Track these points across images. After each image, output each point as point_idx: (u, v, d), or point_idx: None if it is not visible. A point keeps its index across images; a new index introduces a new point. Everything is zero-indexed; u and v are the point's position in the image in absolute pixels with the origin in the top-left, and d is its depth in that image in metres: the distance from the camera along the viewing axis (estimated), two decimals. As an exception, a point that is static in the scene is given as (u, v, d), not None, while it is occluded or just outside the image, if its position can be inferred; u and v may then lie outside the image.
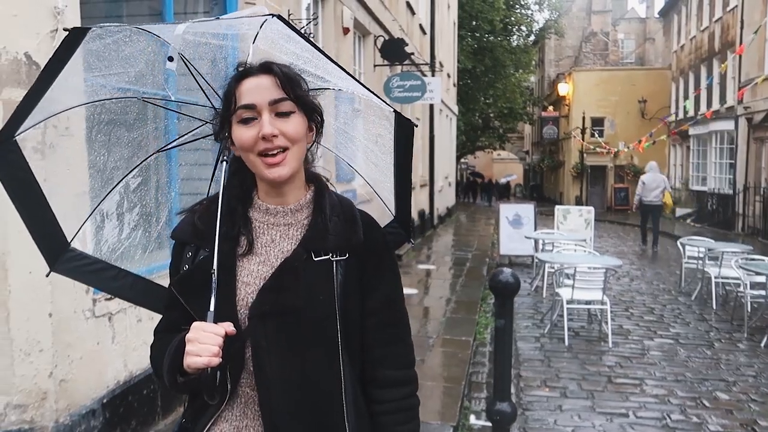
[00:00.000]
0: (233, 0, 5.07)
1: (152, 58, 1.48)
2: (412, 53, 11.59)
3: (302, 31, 1.40)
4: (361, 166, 1.63)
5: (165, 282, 1.53)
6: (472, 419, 4.56)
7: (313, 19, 7.35)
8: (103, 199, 1.63)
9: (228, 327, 1.24)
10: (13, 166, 1.45)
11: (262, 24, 1.36)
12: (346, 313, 1.35)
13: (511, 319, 4.10)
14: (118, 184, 1.64)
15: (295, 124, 1.31)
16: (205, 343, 1.20)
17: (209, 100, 1.55)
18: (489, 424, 4.14)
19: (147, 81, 1.55)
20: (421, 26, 15.86)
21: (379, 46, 10.65)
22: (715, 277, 8.53)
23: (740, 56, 17.98)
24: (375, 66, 10.78)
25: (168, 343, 1.34)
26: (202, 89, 1.56)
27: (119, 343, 3.62)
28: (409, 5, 14.09)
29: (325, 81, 1.38)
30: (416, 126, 1.44)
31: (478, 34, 27.28)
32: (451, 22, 22.16)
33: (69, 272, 1.62)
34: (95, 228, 1.66)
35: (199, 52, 1.51)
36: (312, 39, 1.43)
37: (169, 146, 1.69)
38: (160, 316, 1.50)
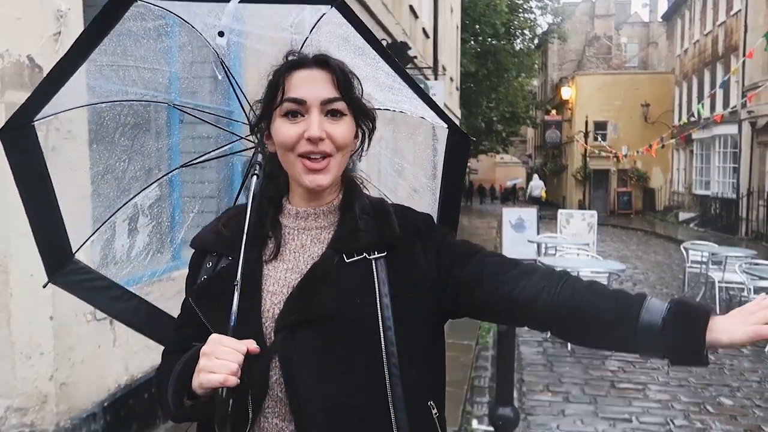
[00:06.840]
0: None
1: (190, 58, 1.36)
2: (415, 57, 11.61)
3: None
4: (390, 178, 1.50)
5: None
6: (475, 424, 4.53)
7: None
8: (117, 210, 1.46)
9: (251, 344, 1.07)
10: (26, 154, 1.28)
11: (321, 16, 1.22)
12: (400, 315, 1.17)
13: (513, 324, 4.07)
14: (135, 196, 1.48)
15: (345, 128, 1.18)
16: (222, 358, 1.03)
17: (243, 110, 1.42)
18: (491, 428, 4.12)
19: (183, 85, 1.43)
20: (424, 30, 15.87)
21: (382, 50, 10.66)
22: (719, 282, 8.49)
23: (744, 60, 17.97)
24: (378, 69, 10.78)
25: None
26: (238, 99, 1.43)
27: (120, 347, 3.61)
28: (412, 9, 14.09)
29: (375, 100, 1.28)
30: (474, 140, 1.37)
31: (480, 38, 27.29)
32: (454, 26, 22.17)
33: (69, 286, 1.47)
34: (104, 241, 1.49)
35: (254, 49, 1.35)
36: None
37: (197, 161, 1.53)
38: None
